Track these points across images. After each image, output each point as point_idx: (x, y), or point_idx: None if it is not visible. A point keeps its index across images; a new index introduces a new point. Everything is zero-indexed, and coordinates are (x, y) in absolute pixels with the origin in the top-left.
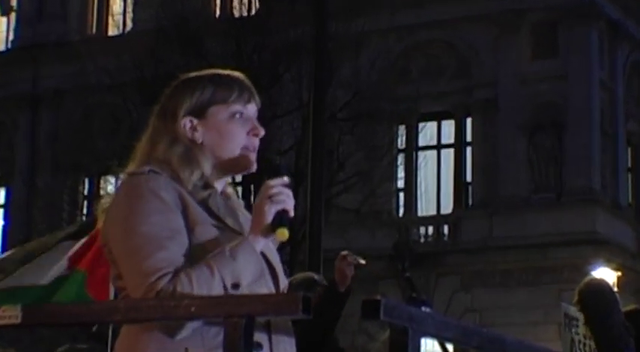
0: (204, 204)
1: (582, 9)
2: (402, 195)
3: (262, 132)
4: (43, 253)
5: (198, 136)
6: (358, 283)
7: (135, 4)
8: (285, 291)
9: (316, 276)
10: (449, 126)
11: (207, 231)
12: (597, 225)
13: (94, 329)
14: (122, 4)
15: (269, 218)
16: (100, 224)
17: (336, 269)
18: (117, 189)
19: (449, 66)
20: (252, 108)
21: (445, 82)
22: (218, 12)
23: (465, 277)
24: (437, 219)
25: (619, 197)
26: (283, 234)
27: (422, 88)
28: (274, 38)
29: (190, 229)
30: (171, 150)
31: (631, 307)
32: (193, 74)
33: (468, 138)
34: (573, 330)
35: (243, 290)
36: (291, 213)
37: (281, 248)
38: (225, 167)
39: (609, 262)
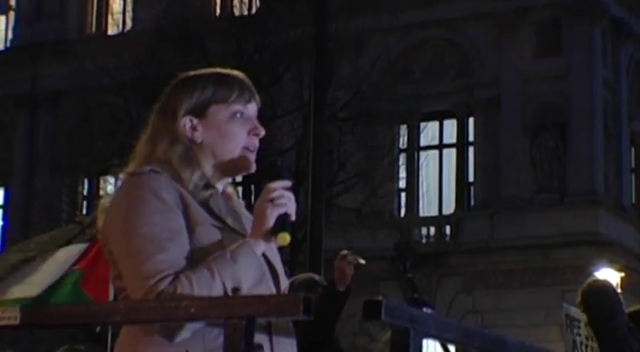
0: (205, 204)
1: (585, 7)
2: (403, 195)
3: (262, 132)
4: (40, 258)
5: (198, 136)
6: (359, 284)
7: (135, 3)
8: (286, 292)
9: (317, 277)
10: (451, 126)
11: (208, 231)
12: (600, 225)
13: (98, 329)
14: (122, 2)
15: (270, 222)
16: (99, 224)
17: (335, 268)
18: (117, 188)
19: (450, 65)
20: (252, 108)
21: (447, 82)
22: (218, 11)
23: (467, 278)
24: (439, 220)
25: (622, 197)
26: (285, 238)
27: (423, 88)
28: (274, 38)
29: (191, 229)
30: (171, 150)
31: (634, 308)
32: (193, 73)
33: (470, 138)
34: (575, 331)
35: (244, 293)
36: (293, 217)
37: (281, 248)
38: (226, 167)
39: (612, 263)
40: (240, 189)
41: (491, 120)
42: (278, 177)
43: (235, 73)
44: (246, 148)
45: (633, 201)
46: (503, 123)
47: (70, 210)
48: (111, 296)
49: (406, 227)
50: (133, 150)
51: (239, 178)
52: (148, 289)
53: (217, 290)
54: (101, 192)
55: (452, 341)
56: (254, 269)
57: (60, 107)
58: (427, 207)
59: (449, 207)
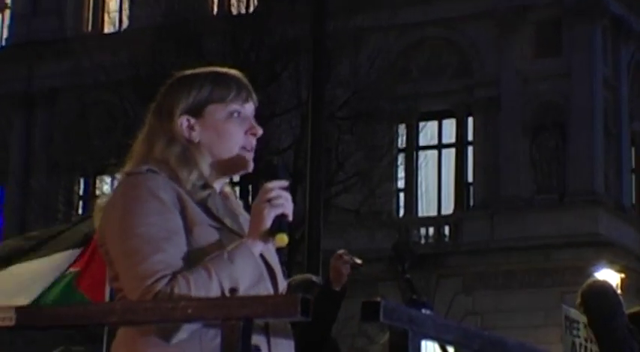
0: (202, 204)
1: (586, 6)
2: (402, 195)
3: (260, 132)
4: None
5: (196, 135)
6: (357, 285)
7: (131, 2)
8: (284, 293)
9: (315, 278)
10: (450, 126)
11: (205, 231)
12: (600, 226)
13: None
14: (118, 1)
15: (268, 222)
16: (96, 224)
17: (331, 267)
18: (114, 188)
19: (450, 64)
20: (249, 107)
21: (446, 81)
22: (215, 9)
23: (467, 279)
24: (438, 220)
25: (622, 198)
26: (282, 239)
27: (422, 87)
28: (272, 36)
29: (189, 230)
30: (168, 150)
31: (635, 309)
32: (190, 72)
33: (470, 138)
34: (574, 333)
35: (241, 294)
36: (290, 218)
37: (279, 248)
38: (223, 167)
39: (612, 264)
40: (237, 188)
41: (490, 119)
42: (275, 177)
43: (232, 71)
44: (243, 148)
45: (633, 202)
46: (503, 123)
47: (66, 210)
48: (107, 297)
49: (405, 227)
50: (130, 149)
51: (236, 178)
52: (145, 289)
53: (214, 291)
54: (97, 192)
55: (451, 343)
56: (251, 270)
57: (56, 105)
58: (426, 208)
59: (448, 208)
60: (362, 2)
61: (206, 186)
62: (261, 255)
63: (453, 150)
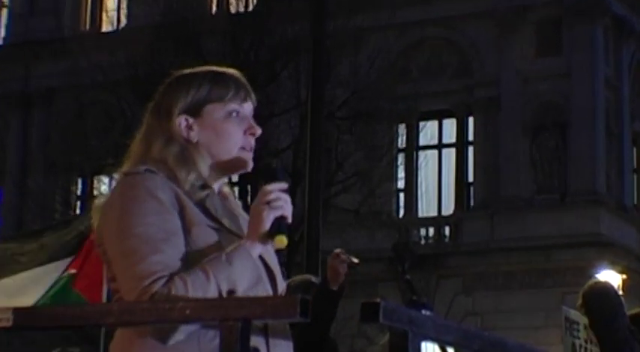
0: (201, 204)
1: (587, 5)
2: (402, 195)
3: (259, 132)
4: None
5: (194, 135)
6: (357, 285)
7: (129, 1)
8: (284, 294)
9: (314, 279)
10: (450, 126)
11: (204, 232)
12: (602, 226)
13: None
14: (116, 0)
15: (267, 224)
16: (94, 224)
17: (328, 266)
18: (112, 188)
19: (450, 64)
20: (248, 107)
21: (446, 81)
22: (214, 8)
23: (467, 279)
24: (438, 220)
25: (624, 198)
26: (282, 241)
27: (422, 87)
28: (272, 35)
29: (187, 230)
30: (166, 150)
31: (636, 310)
32: (188, 71)
33: (470, 138)
34: (574, 334)
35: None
36: (289, 220)
37: (278, 250)
38: (222, 167)
39: (614, 265)
40: (236, 189)
41: (491, 119)
42: (274, 178)
43: (231, 71)
44: (242, 148)
45: (635, 202)
46: (504, 123)
47: (63, 210)
48: (104, 296)
49: (405, 228)
50: (128, 149)
51: (235, 178)
52: (142, 290)
53: (212, 293)
54: (95, 192)
55: (451, 344)
56: (250, 272)
57: (54, 105)
58: (426, 208)
59: (448, 208)
60: (362, 2)
61: (204, 186)
62: (261, 257)
63: (453, 150)
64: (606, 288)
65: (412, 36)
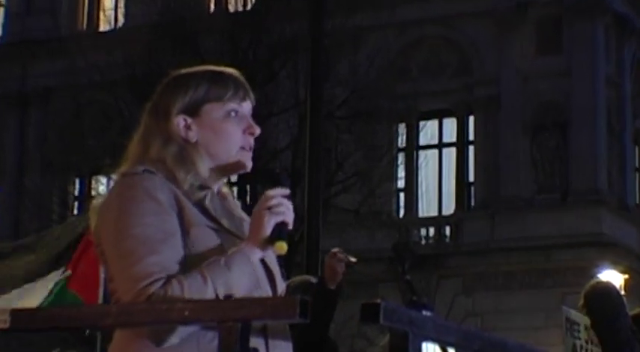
0: (200, 205)
1: (587, 3)
2: (402, 195)
3: (258, 131)
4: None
5: (193, 135)
6: (357, 286)
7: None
8: (283, 295)
9: (313, 279)
10: (450, 125)
11: (203, 232)
12: (603, 226)
13: (87, 333)
14: None
15: (267, 230)
16: (92, 225)
17: (325, 266)
18: (110, 188)
19: (450, 63)
20: (247, 106)
21: (446, 80)
22: (212, 7)
23: (467, 279)
24: (438, 220)
25: (626, 197)
26: (282, 247)
27: (422, 86)
28: (270, 34)
29: (186, 231)
30: (165, 150)
31: (638, 310)
32: (186, 71)
33: (470, 137)
34: (575, 335)
35: None
36: (290, 226)
37: (278, 255)
38: (221, 167)
39: (616, 264)
40: (235, 189)
41: (491, 118)
42: (277, 184)
43: (229, 70)
44: (242, 148)
45: (637, 201)
46: (504, 122)
47: (61, 211)
48: (100, 297)
49: (405, 228)
50: (126, 149)
51: (234, 178)
52: (138, 292)
53: (209, 297)
54: (93, 193)
55: (451, 344)
56: (248, 278)
57: (50, 105)
58: (426, 208)
59: (448, 208)
60: (361, 1)
61: (203, 186)
62: (261, 258)
63: (453, 150)
64: (608, 288)
65: (412, 35)
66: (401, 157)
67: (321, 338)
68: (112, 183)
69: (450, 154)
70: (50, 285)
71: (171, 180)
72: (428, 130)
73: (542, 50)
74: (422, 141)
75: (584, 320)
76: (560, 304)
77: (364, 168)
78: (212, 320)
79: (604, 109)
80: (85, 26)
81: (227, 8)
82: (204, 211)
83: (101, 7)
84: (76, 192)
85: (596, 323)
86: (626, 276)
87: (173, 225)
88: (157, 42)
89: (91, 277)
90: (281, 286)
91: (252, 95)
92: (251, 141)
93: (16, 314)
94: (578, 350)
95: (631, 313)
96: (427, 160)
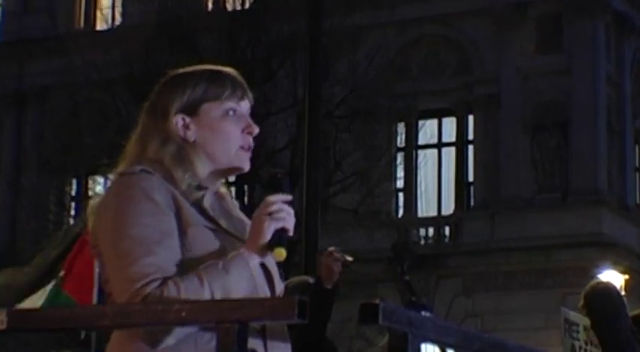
0: (197, 205)
1: (587, 1)
2: (401, 195)
3: (257, 130)
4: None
5: (191, 135)
6: (356, 286)
7: None
8: (281, 295)
9: (311, 280)
10: (450, 124)
11: (200, 233)
12: (603, 226)
13: (82, 336)
14: None
15: (267, 236)
16: (89, 225)
17: (322, 265)
18: (107, 188)
19: (449, 62)
20: (245, 105)
21: (445, 79)
22: (210, 6)
23: (467, 280)
24: (437, 220)
25: (626, 197)
26: (281, 253)
27: (421, 85)
28: (268, 33)
29: (183, 231)
30: (163, 150)
31: (638, 311)
32: (184, 70)
33: (470, 137)
34: (574, 336)
35: None
36: (291, 233)
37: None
38: (220, 166)
39: (616, 265)
40: (233, 189)
41: (491, 117)
42: (279, 190)
43: (227, 69)
44: (241, 147)
45: (637, 201)
46: (504, 121)
47: (57, 211)
48: (94, 297)
49: (404, 228)
50: (123, 149)
51: (232, 178)
52: (134, 293)
53: (205, 299)
54: (90, 193)
55: (451, 346)
56: (246, 282)
57: (47, 103)
58: (425, 208)
59: (448, 208)
60: None
61: (201, 186)
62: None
63: (453, 149)
64: (608, 289)
65: (411, 33)
66: (400, 157)
67: (318, 338)
68: (109, 183)
69: (450, 154)
70: (48, 289)
71: (169, 180)
72: (427, 129)
73: (542, 49)
74: (421, 141)
75: (583, 320)
76: (560, 304)
77: (363, 167)
78: (210, 321)
79: (604, 108)
80: (82, 25)
81: (225, 7)
82: (202, 211)
83: (98, 6)
84: (73, 192)
85: (597, 324)
86: (627, 277)
87: (170, 225)
88: (154, 41)
89: (86, 278)
90: (279, 287)
91: (250, 94)
92: (250, 140)
93: (13, 314)
94: (577, 350)
95: (631, 313)
96: (426, 160)
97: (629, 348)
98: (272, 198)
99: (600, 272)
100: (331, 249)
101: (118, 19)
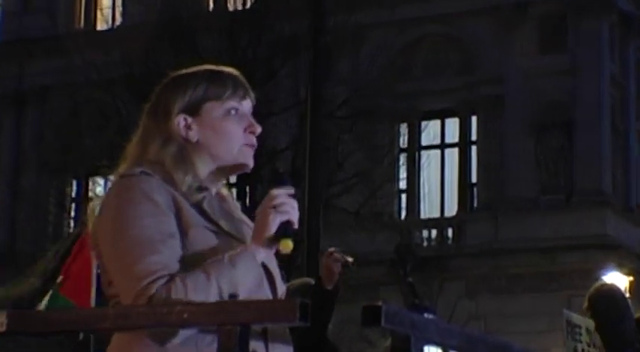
0: (198, 206)
1: (592, 1)
2: (404, 196)
3: (259, 130)
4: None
5: (193, 135)
6: (359, 288)
7: None
8: (283, 298)
9: (313, 282)
10: (453, 125)
11: (201, 234)
12: (608, 227)
13: (81, 337)
14: None
15: (272, 228)
16: (89, 227)
17: (322, 266)
18: (107, 190)
19: (452, 61)
20: (247, 105)
21: (448, 79)
22: (211, 5)
23: (470, 282)
24: (440, 222)
25: (631, 198)
26: (287, 245)
27: (424, 85)
28: (270, 32)
29: (184, 233)
30: (164, 151)
31: None
32: (185, 71)
33: (473, 137)
34: (577, 338)
35: (240, 299)
36: (296, 225)
37: (278, 251)
38: (222, 166)
39: (621, 267)
40: (234, 190)
41: (494, 118)
42: (282, 184)
43: (228, 69)
44: (245, 145)
45: None
46: (507, 122)
47: (57, 213)
48: (92, 300)
49: (407, 229)
50: (123, 150)
51: (233, 179)
52: (140, 290)
53: (213, 295)
54: (90, 194)
55: (454, 348)
56: (253, 275)
57: (47, 103)
58: (428, 209)
59: (451, 209)
60: None
61: (202, 187)
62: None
63: (456, 150)
64: (613, 291)
65: (413, 33)
66: (402, 158)
67: (319, 340)
68: (109, 185)
69: (453, 154)
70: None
71: (169, 182)
72: (430, 130)
73: (545, 49)
74: (424, 142)
75: (585, 323)
76: (564, 307)
77: (365, 168)
78: (211, 324)
79: (608, 109)
80: (82, 25)
81: (226, 6)
82: (203, 212)
83: (99, 6)
84: (73, 194)
85: (601, 326)
86: (631, 278)
87: (171, 226)
88: (155, 41)
89: (83, 280)
90: (281, 288)
91: (252, 94)
92: (253, 139)
93: (13, 317)
94: None
95: (636, 316)
96: (429, 161)
97: (633, 350)
98: (276, 191)
99: (605, 274)
100: (331, 249)
101: (119, 19)
